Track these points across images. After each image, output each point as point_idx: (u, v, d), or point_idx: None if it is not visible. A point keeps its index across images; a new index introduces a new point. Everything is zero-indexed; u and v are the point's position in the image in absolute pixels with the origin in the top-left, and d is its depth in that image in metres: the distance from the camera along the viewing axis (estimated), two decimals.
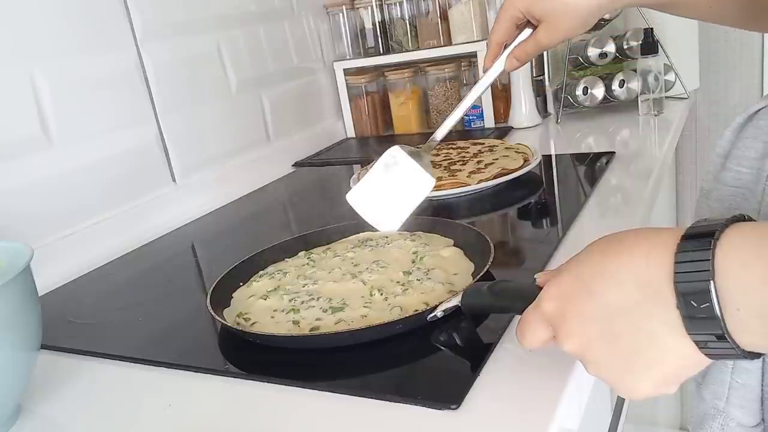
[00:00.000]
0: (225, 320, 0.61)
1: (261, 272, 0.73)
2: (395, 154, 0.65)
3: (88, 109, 0.96)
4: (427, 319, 0.55)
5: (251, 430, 0.49)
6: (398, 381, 0.53)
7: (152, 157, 1.06)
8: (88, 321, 0.74)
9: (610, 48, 1.30)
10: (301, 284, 0.68)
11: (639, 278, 0.36)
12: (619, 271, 0.37)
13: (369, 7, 1.50)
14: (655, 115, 1.26)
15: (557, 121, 1.35)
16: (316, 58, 1.49)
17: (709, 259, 0.32)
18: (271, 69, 1.34)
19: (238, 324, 0.62)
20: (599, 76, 1.32)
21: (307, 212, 1.11)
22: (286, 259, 0.76)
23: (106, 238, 0.96)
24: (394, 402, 0.48)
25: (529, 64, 1.32)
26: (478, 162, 1.04)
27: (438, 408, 0.46)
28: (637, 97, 1.28)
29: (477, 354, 0.53)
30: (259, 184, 1.25)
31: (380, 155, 0.65)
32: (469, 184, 0.93)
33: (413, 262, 0.69)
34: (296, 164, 1.38)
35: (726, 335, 0.33)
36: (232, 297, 0.69)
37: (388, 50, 1.53)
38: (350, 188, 1.01)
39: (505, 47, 0.67)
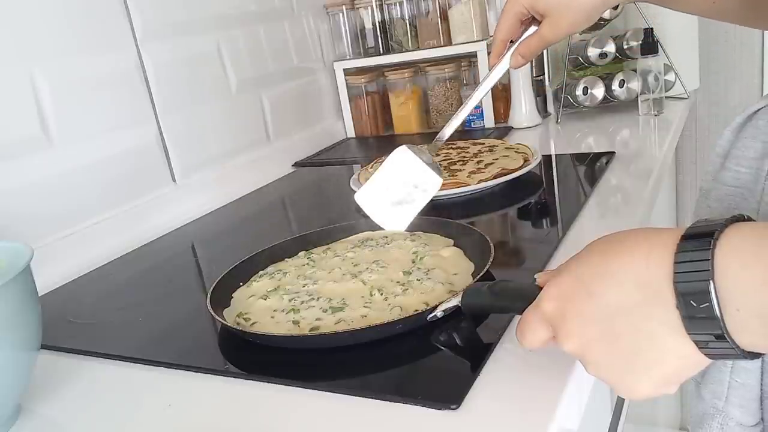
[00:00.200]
0: (225, 320, 0.61)
1: (261, 272, 0.73)
2: (403, 154, 0.65)
3: (88, 109, 0.96)
4: (427, 319, 0.55)
5: (251, 430, 0.49)
6: (398, 381, 0.53)
7: (152, 157, 1.07)
8: (88, 321, 0.74)
9: (610, 48, 1.30)
10: (301, 284, 0.68)
11: (639, 279, 0.36)
12: (619, 272, 0.37)
13: (369, 7, 1.50)
14: (655, 115, 1.26)
15: (557, 121, 1.35)
16: (316, 58, 1.49)
17: (708, 259, 0.32)
18: (271, 69, 1.34)
19: (238, 324, 0.62)
20: (599, 76, 1.32)
21: (307, 212, 1.11)
22: (286, 259, 0.76)
23: (106, 238, 0.96)
24: (394, 402, 0.48)
25: (529, 64, 1.32)
26: (478, 162, 1.04)
27: (438, 408, 0.46)
28: (637, 97, 1.28)
29: (477, 354, 0.53)
30: (259, 184, 1.25)
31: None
32: (469, 184, 0.93)
33: (413, 262, 0.69)
34: (296, 164, 1.38)
35: (726, 335, 0.33)
36: (232, 297, 0.69)
37: (388, 50, 1.53)
38: (350, 188, 1.02)
39: (510, 44, 0.66)
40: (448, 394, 0.47)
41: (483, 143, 1.16)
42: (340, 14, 1.52)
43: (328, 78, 1.53)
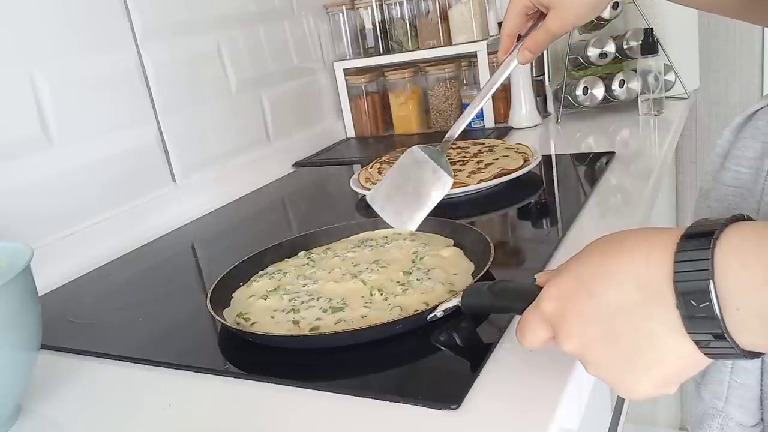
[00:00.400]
0: (225, 320, 0.61)
1: (261, 272, 0.73)
2: (415, 154, 0.65)
3: (88, 109, 0.96)
4: (427, 319, 0.55)
5: (251, 430, 0.49)
6: (398, 381, 0.53)
7: (152, 157, 1.07)
8: (88, 321, 0.74)
9: (610, 48, 1.30)
10: (301, 284, 0.68)
11: (639, 279, 0.36)
12: (619, 272, 0.37)
13: (369, 7, 1.50)
14: (655, 115, 1.26)
15: (557, 121, 1.35)
16: (316, 58, 1.49)
17: (708, 259, 0.32)
18: (271, 69, 1.34)
19: (238, 324, 0.62)
20: (599, 76, 1.32)
21: (307, 212, 1.11)
22: (286, 259, 0.76)
23: (106, 238, 0.96)
24: (394, 402, 0.48)
25: (529, 64, 1.32)
26: (478, 162, 1.04)
27: (438, 408, 0.46)
28: (637, 97, 1.28)
29: (477, 354, 0.53)
30: (259, 184, 1.25)
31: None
32: (469, 184, 0.93)
33: (413, 262, 0.69)
34: (296, 164, 1.38)
35: (725, 335, 0.33)
36: (232, 297, 0.69)
37: (388, 50, 1.53)
38: (350, 188, 1.02)
39: (518, 41, 0.66)
40: (448, 394, 0.47)
41: (483, 143, 1.16)
42: (340, 14, 1.52)
43: (328, 78, 1.53)
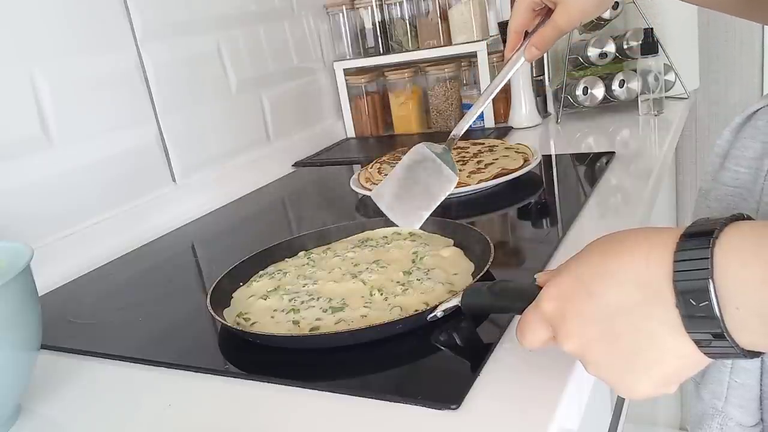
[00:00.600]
0: (225, 320, 0.61)
1: (261, 272, 0.73)
2: (421, 152, 0.65)
3: (88, 109, 0.96)
4: (427, 319, 0.55)
5: (251, 430, 0.49)
6: (398, 381, 0.53)
7: (152, 157, 1.07)
8: (88, 321, 0.74)
9: (610, 48, 1.30)
10: (301, 284, 0.68)
11: (639, 279, 0.36)
12: (619, 272, 0.37)
13: (369, 7, 1.50)
14: (655, 115, 1.27)
15: (557, 121, 1.35)
16: (316, 58, 1.49)
17: (707, 258, 0.33)
18: (271, 69, 1.34)
19: (238, 324, 0.62)
20: (599, 76, 1.32)
21: (307, 212, 1.11)
22: (286, 259, 0.76)
23: (106, 238, 0.96)
24: (394, 402, 0.48)
25: (529, 64, 1.32)
26: (478, 162, 1.04)
27: (438, 408, 0.46)
28: (637, 97, 1.28)
29: (477, 354, 0.53)
30: (259, 184, 1.25)
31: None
32: (469, 184, 0.93)
33: (413, 262, 0.69)
34: (296, 164, 1.38)
35: (725, 334, 0.33)
36: (232, 297, 0.69)
37: (388, 50, 1.53)
38: (350, 188, 1.02)
39: (525, 37, 0.66)
40: (448, 394, 0.47)
41: (483, 143, 1.16)
42: (340, 14, 1.52)
43: (328, 78, 1.53)
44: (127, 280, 0.86)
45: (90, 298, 0.81)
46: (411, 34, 1.49)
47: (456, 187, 0.92)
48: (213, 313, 0.62)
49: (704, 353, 0.35)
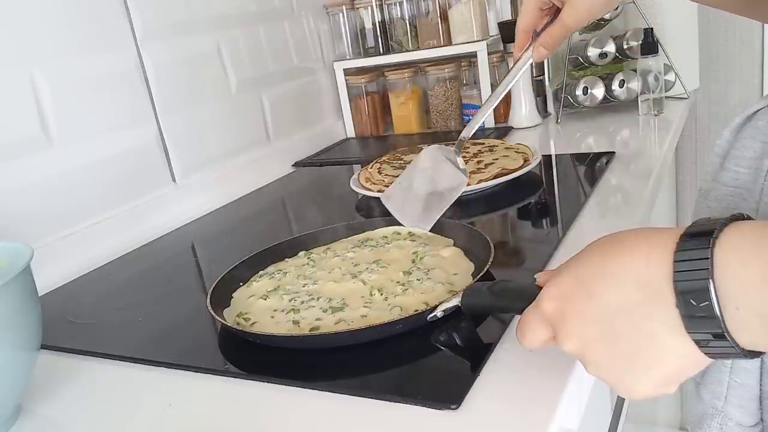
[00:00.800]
0: (225, 320, 0.61)
1: (261, 272, 0.73)
2: (431, 154, 0.65)
3: (88, 109, 0.96)
4: (427, 319, 0.55)
5: (251, 430, 0.49)
6: (398, 381, 0.53)
7: (152, 157, 1.07)
8: (88, 321, 0.74)
9: (610, 48, 1.30)
10: (301, 284, 0.68)
11: (639, 279, 0.36)
12: (620, 272, 0.37)
13: (369, 7, 1.50)
14: (655, 115, 1.27)
15: (557, 121, 1.35)
16: (316, 58, 1.49)
17: (708, 258, 0.33)
18: (271, 69, 1.34)
19: (238, 324, 0.62)
20: (599, 76, 1.32)
21: (307, 212, 1.11)
22: (286, 259, 0.76)
23: (106, 238, 0.96)
24: (394, 402, 0.48)
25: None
26: (478, 162, 1.04)
27: (438, 408, 0.46)
28: (637, 97, 1.28)
29: (477, 354, 0.53)
30: (259, 184, 1.25)
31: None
32: (469, 184, 0.93)
33: (413, 262, 0.69)
34: (296, 164, 1.38)
35: (725, 334, 0.33)
36: (232, 297, 0.69)
37: (388, 50, 1.53)
38: (350, 188, 1.02)
39: (533, 36, 0.66)
40: (448, 394, 0.47)
41: (483, 143, 1.16)
42: (340, 14, 1.52)
43: (328, 78, 1.53)
44: (127, 280, 0.86)
45: (90, 298, 0.81)
46: (411, 34, 1.49)
47: None
48: (213, 313, 0.62)
49: (704, 353, 0.35)
